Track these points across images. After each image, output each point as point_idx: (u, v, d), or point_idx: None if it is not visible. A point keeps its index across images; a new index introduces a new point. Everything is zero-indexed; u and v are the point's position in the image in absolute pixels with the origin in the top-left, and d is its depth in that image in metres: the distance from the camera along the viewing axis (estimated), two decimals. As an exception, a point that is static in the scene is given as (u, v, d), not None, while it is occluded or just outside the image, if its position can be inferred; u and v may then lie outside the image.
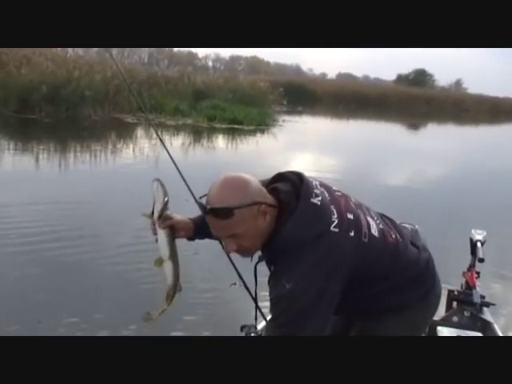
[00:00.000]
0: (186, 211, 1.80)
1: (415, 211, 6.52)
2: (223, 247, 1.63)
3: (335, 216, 1.52)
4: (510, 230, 6.33)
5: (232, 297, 3.58)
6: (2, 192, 6.19)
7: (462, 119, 32.50)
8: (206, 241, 1.83)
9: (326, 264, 1.48)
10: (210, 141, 13.70)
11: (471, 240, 2.97)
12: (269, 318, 1.75)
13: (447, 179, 10.67)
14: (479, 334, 2.52)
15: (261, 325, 2.13)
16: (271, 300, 1.53)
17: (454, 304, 2.81)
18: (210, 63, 50.53)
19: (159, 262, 1.71)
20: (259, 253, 1.62)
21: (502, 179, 10.94)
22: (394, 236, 1.68)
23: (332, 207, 1.54)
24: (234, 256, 1.75)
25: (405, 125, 26.27)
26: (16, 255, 4.34)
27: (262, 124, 16.42)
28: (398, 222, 1.81)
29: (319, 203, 1.52)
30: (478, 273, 2.90)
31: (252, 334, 2.02)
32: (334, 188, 1.66)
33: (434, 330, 2.52)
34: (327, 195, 1.57)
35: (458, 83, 56.16)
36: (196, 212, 1.73)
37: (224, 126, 15.28)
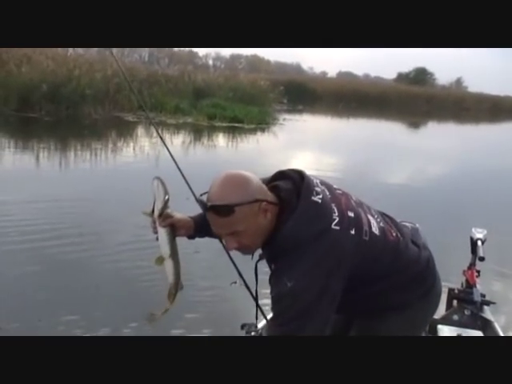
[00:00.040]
0: (186, 210, 1.80)
1: (415, 209, 6.53)
2: (224, 245, 1.63)
3: (336, 214, 1.52)
4: (511, 227, 6.33)
5: (232, 295, 3.58)
6: (2, 190, 6.19)
7: (462, 118, 32.47)
8: (207, 239, 1.83)
9: (326, 262, 1.48)
10: (211, 139, 13.69)
11: (471, 238, 2.97)
12: (270, 316, 1.76)
13: (447, 177, 10.68)
14: (479, 333, 2.53)
15: (261, 323, 2.13)
16: (272, 298, 1.53)
17: (455, 302, 2.82)
18: (211, 62, 50.49)
19: (160, 260, 1.71)
20: (260, 251, 1.62)
21: (502, 177, 10.95)
22: (394, 234, 1.68)
23: (333, 205, 1.54)
24: (235, 254, 1.75)
25: (405, 123, 26.25)
26: (16, 253, 4.34)
27: (262, 122, 16.41)
28: (398, 220, 1.81)
29: (320, 201, 1.52)
30: (478, 271, 2.91)
31: (252, 333, 2.02)
32: (335, 186, 1.66)
33: (435, 329, 2.53)
34: (328, 193, 1.57)
35: (459, 82, 56.07)
36: (196, 210, 1.73)
37: (224, 124, 15.28)
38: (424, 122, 28.81)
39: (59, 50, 15.91)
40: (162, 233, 1.69)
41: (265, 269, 1.65)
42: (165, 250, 1.71)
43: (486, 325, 2.62)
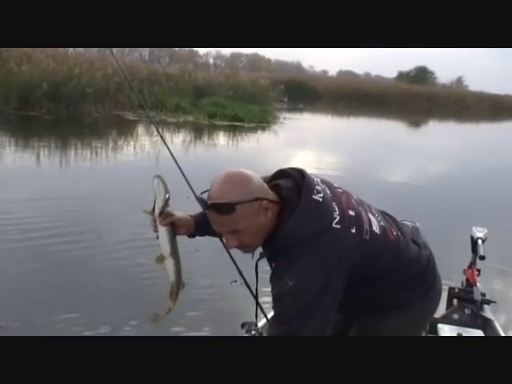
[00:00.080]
0: (186, 208, 1.80)
1: (416, 208, 6.53)
2: (224, 244, 1.63)
3: (337, 213, 1.52)
4: (511, 225, 6.32)
5: (233, 293, 3.59)
6: (3, 188, 6.20)
7: (462, 116, 32.46)
8: (207, 238, 1.83)
9: (327, 260, 1.48)
10: (211, 138, 13.69)
11: (472, 237, 2.97)
12: (270, 314, 1.76)
13: (448, 176, 10.68)
14: (480, 332, 2.53)
15: (261, 322, 2.13)
16: (273, 297, 1.53)
17: (455, 301, 2.82)
18: (211, 60, 50.57)
19: (160, 259, 1.71)
20: (260, 249, 1.62)
21: (503, 176, 10.95)
22: (395, 233, 1.68)
23: (333, 204, 1.54)
24: (235, 253, 1.75)
25: (406, 122, 26.24)
26: (16, 251, 4.35)
27: (262, 121, 16.40)
28: (398, 219, 1.81)
29: (321, 200, 1.52)
30: (478, 270, 2.91)
31: (253, 332, 2.02)
32: (336, 185, 1.66)
33: (435, 328, 2.53)
34: (329, 192, 1.57)
35: (459, 80, 56.00)
36: (197, 209, 1.73)
37: (225, 123, 15.27)
38: (424, 120, 28.80)
39: (59, 48, 15.90)
40: (163, 231, 1.69)
41: (265, 267, 1.65)
42: (165, 248, 1.71)
43: (486, 324, 2.62)
